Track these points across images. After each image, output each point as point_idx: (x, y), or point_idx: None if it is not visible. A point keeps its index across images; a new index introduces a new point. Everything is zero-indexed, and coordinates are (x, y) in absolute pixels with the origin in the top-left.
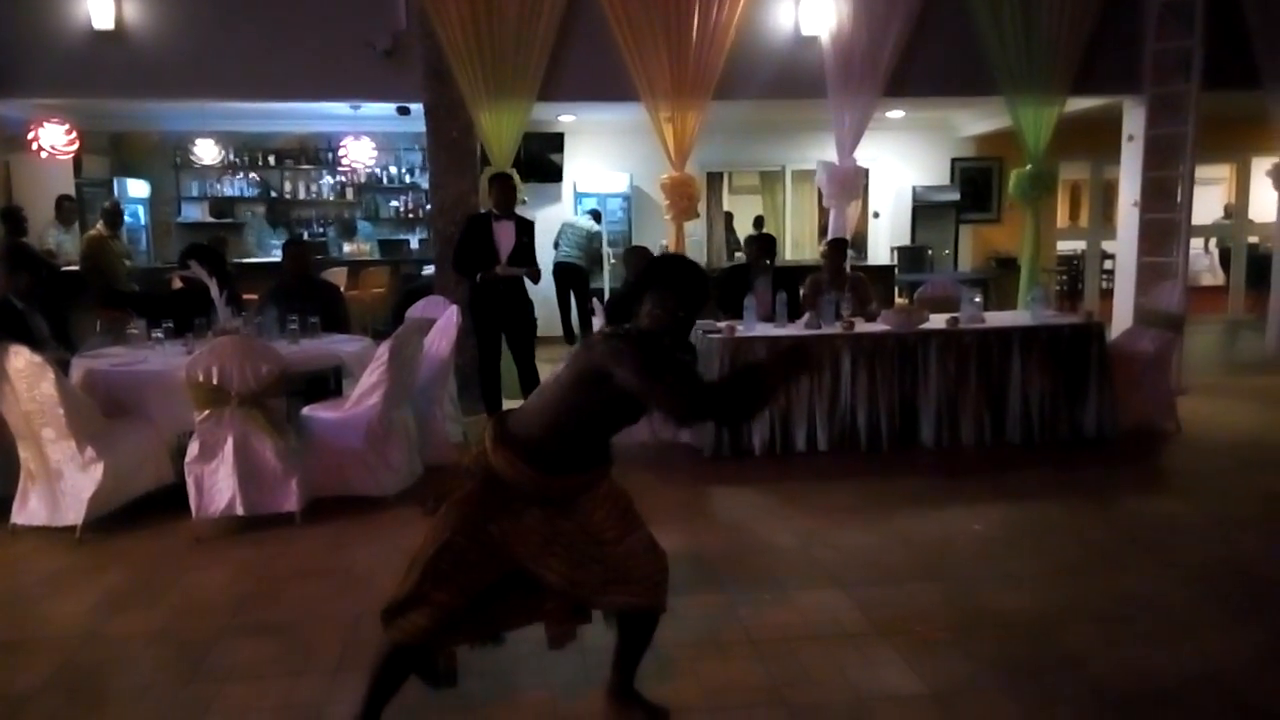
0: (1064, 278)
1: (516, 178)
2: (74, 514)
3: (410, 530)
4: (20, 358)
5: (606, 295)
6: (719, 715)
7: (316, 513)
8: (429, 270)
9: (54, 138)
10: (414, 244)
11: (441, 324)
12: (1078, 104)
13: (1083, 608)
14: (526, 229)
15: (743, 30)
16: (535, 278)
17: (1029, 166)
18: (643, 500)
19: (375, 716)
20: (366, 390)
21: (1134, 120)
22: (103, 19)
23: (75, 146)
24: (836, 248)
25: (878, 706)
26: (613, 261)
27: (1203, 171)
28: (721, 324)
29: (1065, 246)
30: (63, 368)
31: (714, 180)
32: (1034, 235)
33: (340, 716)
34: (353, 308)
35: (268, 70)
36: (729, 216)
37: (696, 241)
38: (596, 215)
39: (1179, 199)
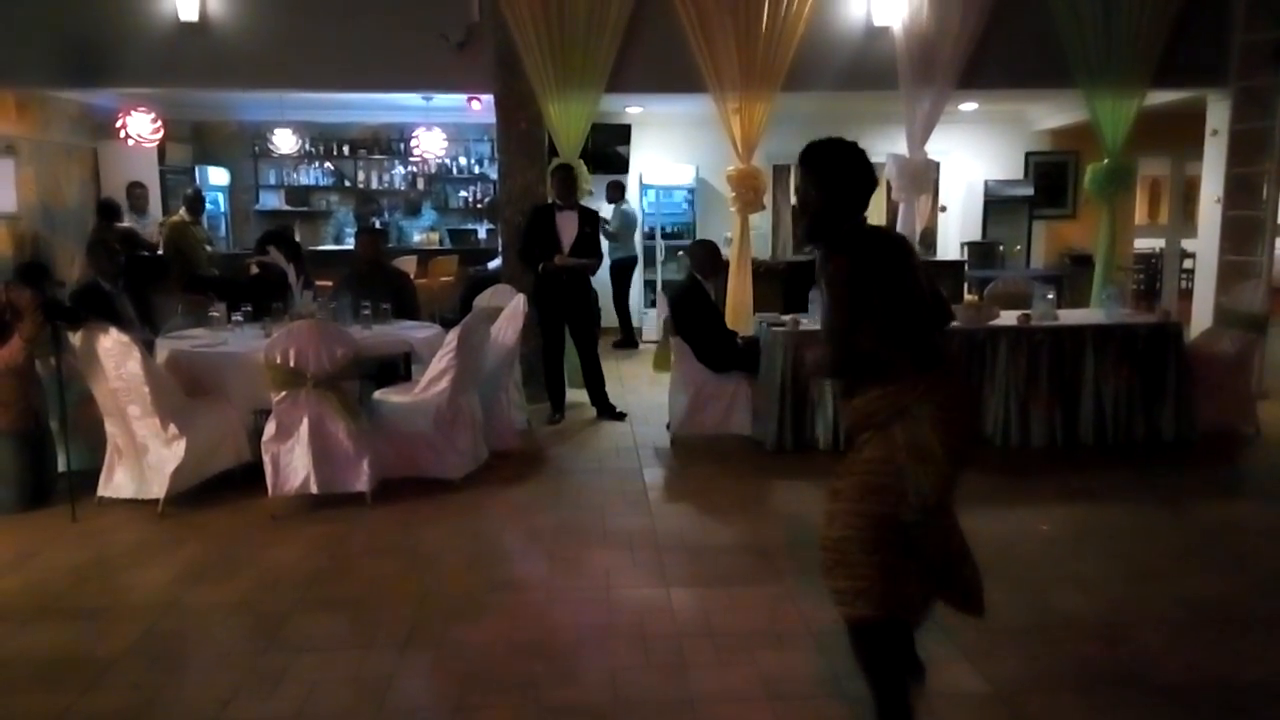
0: (1141, 276)
1: (584, 169)
2: (157, 488)
3: (476, 513)
4: (108, 338)
5: (660, 285)
6: (777, 704)
7: (386, 493)
8: (495, 264)
9: (140, 126)
10: (481, 234)
11: (508, 312)
12: (1159, 97)
13: (1153, 611)
14: (590, 219)
15: (813, 21)
16: (592, 270)
17: (1106, 161)
18: (704, 492)
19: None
20: (435, 376)
21: (1218, 114)
22: (188, 11)
23: (160, 135)
24: None
25: (940, 704)
26: (680, 254)
27: None
28: (786, 317)
29: (1143, 244)
30: (147, 348)
31: (780, 173)
32: (1110, 232)
33: (407, 689)
34: (421, 296)
35: (344, 61)
36: (795, 210)
37: (762, 235)
38: (619, 188)
39: (1264, 196)
